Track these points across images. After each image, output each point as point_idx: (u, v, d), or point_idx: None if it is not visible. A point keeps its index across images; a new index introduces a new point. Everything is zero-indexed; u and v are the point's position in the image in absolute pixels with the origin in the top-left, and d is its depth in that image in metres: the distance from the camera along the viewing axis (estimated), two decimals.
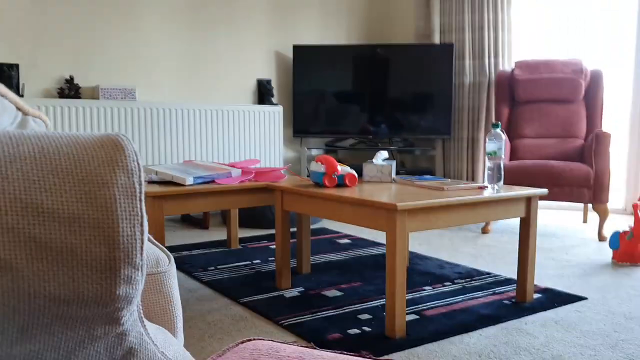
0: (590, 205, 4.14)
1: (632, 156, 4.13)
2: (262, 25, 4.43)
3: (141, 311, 0.59)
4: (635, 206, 2.78)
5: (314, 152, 4.58)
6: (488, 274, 2.59)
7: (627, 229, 2.79)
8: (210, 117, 4.01)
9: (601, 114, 3.73)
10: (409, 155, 4.93)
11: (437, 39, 4.47)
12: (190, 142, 3.94)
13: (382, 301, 2.18)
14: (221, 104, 4.09)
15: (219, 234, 3.53)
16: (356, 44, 4.45)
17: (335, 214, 2.00)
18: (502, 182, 2.14)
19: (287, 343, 0.69)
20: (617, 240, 2.80)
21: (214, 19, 4.20)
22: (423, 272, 2.61)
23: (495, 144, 2.15)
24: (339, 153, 4.83)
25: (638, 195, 4.07)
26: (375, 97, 4.39)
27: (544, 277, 2.55)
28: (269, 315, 2.02)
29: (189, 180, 2.23)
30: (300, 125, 4.41)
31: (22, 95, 3.45)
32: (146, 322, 0.61)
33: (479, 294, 2.28)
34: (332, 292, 2.29)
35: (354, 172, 2.17)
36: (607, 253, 3.02)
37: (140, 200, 0.52)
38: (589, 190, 3.30)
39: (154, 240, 0.95)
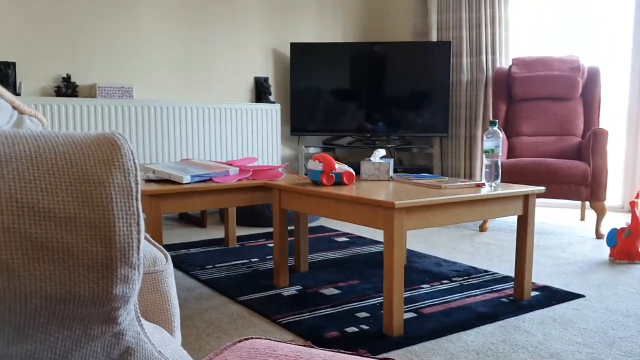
0: (587, 202, 4.14)
1: (630, 153, 4.14)
2: (259, 23, 4.43)
3: (138, 310, 0.59)
4: (632, 204, 2.79)
5: (312, 150, 4.58)
6: (486, 271, 2.59)
7: (625, 226, 2.79)
8: (208, 115, 4.00)
9: (598, 112, 3.73)
10: (407, 153, 4.93)
11: (434, 37, 4.47)
12: (187, 141, 3.94)
13: (380, 299, 2.18)
14: (218, 102, 4.09)
15: (217, 233, 3.53)
16: (353, 42, 4.45)
17: (333, 212, 2.00)
18: (499, 179, 2.15)
19: (284, 342, 0.69)
20: (614, 238, 2.81)
21: (211, 17, 4.19)
22: (421, 270, 2.61)
23: (492, 142, 2.15)
24: (336, 151, 4.83)
25: (635, 193, 4.08)
26: (373, 95, 4.39)
27: (541, 274, 2.55)
28: (266, 313, 2.02)
29: (187, 179, 2.23)
30: (298, 124, 4.41)
31: (19, 94, 3.44)
32: (143, 321, 0.61)
33: (477, 291, 2.28)
34: (330, 291, 2.29)
35: (351, 170, 2.17)
36: (604, 251, 3.02)
37: (137, 199, 0.52)
38: (587, 187, 3.31)
39: (151, 239, 0.95)
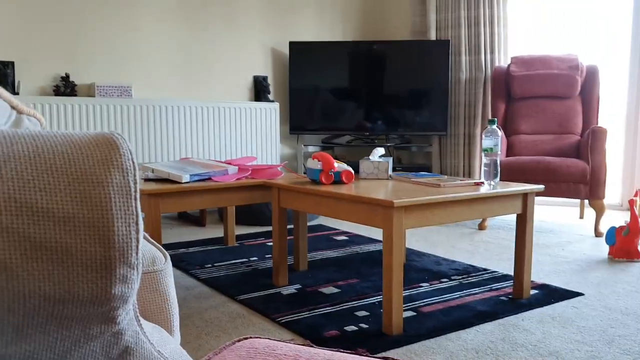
0: (586, 201, 4.14)
1: (628, 152, 4.14)
2: (258, 22, 4.42)
3: (137, 310, 0.59)
4: (631, 202, 2.79)
5: (311, 149, 4.58)
6: (485, 270, 2.59)
7: (624, 224, 2.80)
8: (207, 114, 4.00)
9: (597, 110, 3.74)
10: (406, 151, 4.93)
11: (433, 35, 4.47)
12: (186, 140, 3.94)
13: (379, 298, 2.18)
14: (217, 101, 4.08)
15: (216, 232, 3.53)
16: (352, 41, 4.45)
17: (332, 211, 2.00)
18: (498, 178, 2.15)
19: (283, 341, 0.69)
20: (613, 236, 2.81)
21: (210, 15, 4.18)
22: (420, 268, 2.62)
23: (491, 140, 2.15)
24: (335, 150, 4.83)
25: (634, 191, 4.08)
26: (372, 94, 4.38)
27: (540, 273, 2.56)
28: (266, 312, 2.02)
29: (186, 178, 2.23)
30: (297, 122, 4.41)
31: (17, 93, 3.44)
32: (142, 320, 0.61)
33: (476, 290, 2.29)
34: (329, 289, 2.29)
35: (350, 169, 2.17)
36: (603, 249, 3.03)
37: (136, 199, 0.52)
38: (585, 186, 3.31)
39: (150, 239, 0.95)
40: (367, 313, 2.01)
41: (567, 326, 1.89)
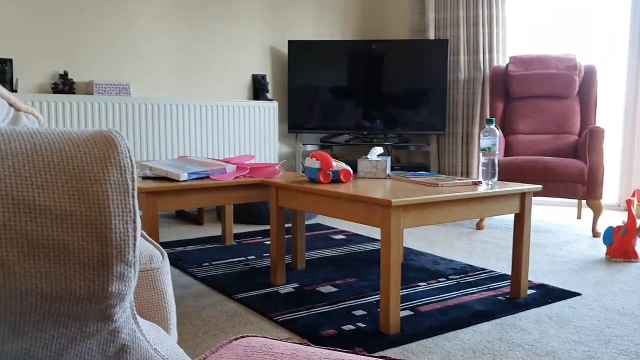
0: (584, 201, 4.15)
1: (626, 152, 4.15)
2: (257, 21, 4.42)
3: (134, 308, 0.59)
4: (628, 202, 2.80)
5: (309, 147, 4.58)
6: (482, 269, 2.59)
7: (621, 224, 2.80)
8: (205, 112, 4.00)
9: (595, 110, 3.74)
10: (404, 151, 4.93)
11: (431, 35, 4.47)
12: (184, 138, 3.93)
13: (377, 297, 2.18)
14: (216, 99, 4.08)
15: (214, 230, 3.53)
16: (351, 40, 4.45)
17: (330, 210, 2.00)
18: (496, 178, 2.15)
19: (281, 340, 0.69)
20: (610, 236, 2.81)
21: (208, 14, 4.18)
22: (417, 268, 2.62)
23: (489, 140, 2.15)
24: (333, 149, 4.83)
25: (632, 191, 4.09)
26: (370, 93, 4.38)
27: (538, 273, 2.56)
28: (263, 311, 2.02)
29: (184, 176, 2.22)
30: (295, 121, 4.41)
31: (15, 91, 3.43)
32: (139, 318, 0.61)
33: (473, 289, 2.29)
34: (327, 288, 2.29)
35: (348, 168, 2.17)
36: (601, 249, 3.03)
37: (133, 197, 0.52)
38: (583, 186, 3.32)
39: (148, 237, 0.95)
40: (365, 312, 2.01)
41: (564, 326, 1.90)
